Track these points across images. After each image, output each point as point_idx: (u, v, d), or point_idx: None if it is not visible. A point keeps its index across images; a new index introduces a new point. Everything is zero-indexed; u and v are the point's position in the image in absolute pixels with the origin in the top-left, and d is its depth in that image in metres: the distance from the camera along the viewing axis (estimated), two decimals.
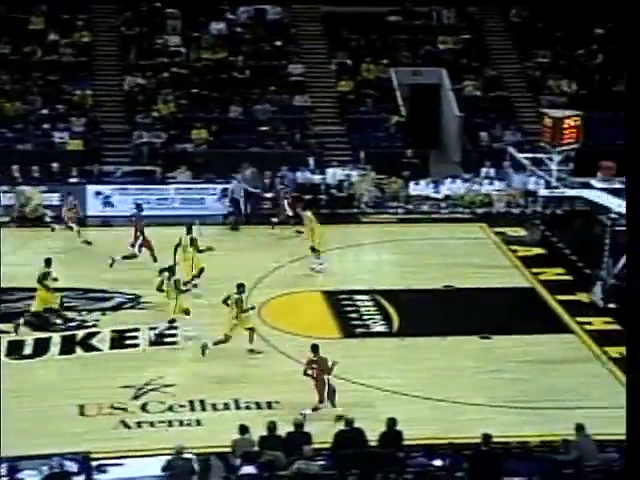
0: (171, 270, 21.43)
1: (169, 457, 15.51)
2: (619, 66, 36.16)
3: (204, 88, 34.20)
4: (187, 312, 20.87)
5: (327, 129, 33.80)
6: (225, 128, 32.93)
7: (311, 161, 31.47)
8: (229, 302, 20.20)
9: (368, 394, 19.17)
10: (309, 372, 18.27)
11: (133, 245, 24.76)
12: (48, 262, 21.72)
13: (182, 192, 29.87)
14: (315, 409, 18.04)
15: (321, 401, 18.19)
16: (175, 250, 23.25)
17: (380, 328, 22.28)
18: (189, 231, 23.52)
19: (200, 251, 23.26)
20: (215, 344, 20.03)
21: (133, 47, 35.15)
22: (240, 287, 20.29)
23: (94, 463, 16.24)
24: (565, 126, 25.57)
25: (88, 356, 20.55)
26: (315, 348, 18.47)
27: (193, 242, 23.30)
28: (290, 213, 27.92)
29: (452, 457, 16.02)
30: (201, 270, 23.19)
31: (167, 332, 21.02)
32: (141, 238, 24.82)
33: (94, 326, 21.67)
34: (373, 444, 16.29)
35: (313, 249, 24.87)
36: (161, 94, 33.61)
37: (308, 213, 25.65)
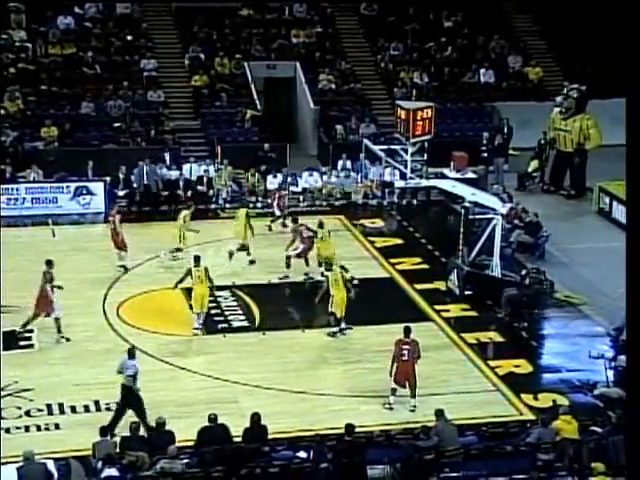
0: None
1: (18, 465, 15.04)
2: (468, 58, 37.09)
3: (53, 84, 33.31)
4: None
5: (182, 124, 33.46)
6: (77, 125, 32.17)
7: (167, 157, 31.10)
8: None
9: (231, 389, 19.08)
10: (404, 352, 18.32)
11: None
12: (196, 260, 22.01)
13: (33, 191, 29.04)
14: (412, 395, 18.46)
15: (408, 386, 18.49)
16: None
17: (242, 323, 22.20)
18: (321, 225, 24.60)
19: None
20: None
21: None
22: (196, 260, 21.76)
23: None
24: (418, 118, 25.94)
25: None
26: (408, 330, 18.65)
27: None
28: None
29: (316, 449, 16.07)
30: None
31: (24, 335, 20.51)
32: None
33: None
34: (238, 440, 16.22)
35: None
36: (8, 91, 32.56)
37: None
